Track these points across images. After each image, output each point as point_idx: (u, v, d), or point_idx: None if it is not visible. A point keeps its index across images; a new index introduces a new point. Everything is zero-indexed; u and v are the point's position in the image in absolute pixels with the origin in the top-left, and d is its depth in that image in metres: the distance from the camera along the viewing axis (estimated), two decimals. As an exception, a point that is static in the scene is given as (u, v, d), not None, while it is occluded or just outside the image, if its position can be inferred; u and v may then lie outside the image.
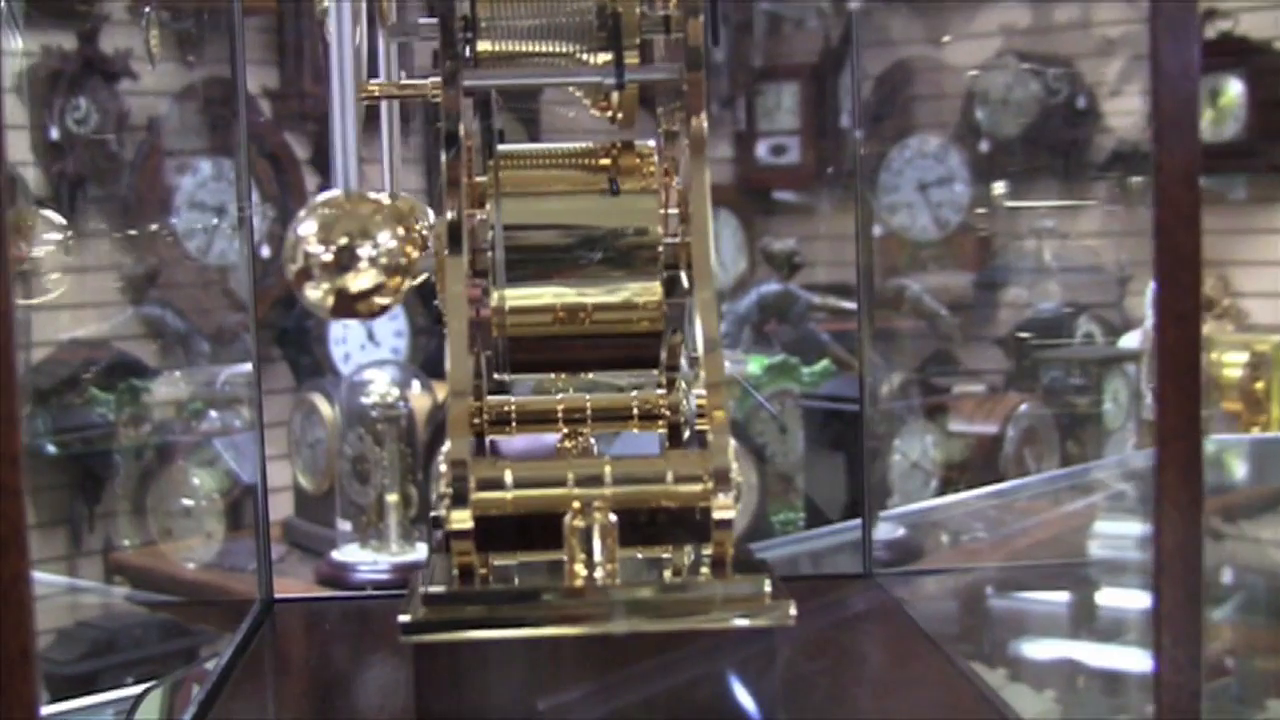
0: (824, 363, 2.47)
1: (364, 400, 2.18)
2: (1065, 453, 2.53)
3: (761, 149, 3.36)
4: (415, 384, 2.25)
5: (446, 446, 0.63)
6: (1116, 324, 2.76)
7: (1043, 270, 2.79)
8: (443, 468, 0.63)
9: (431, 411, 2.24)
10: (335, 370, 2.62)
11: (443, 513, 0.63)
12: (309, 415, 2.39)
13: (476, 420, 0.74)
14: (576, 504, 0.63)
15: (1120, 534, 1.83)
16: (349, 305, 0.63)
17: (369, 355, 2.64)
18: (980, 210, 2.96)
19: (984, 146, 3.02)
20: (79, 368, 2.38)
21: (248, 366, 1.11)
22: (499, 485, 0.63)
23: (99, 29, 2.55)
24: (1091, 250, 2.83)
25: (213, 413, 2.34)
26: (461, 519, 0.62)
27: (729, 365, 0.70)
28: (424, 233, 0.75)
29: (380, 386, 2.19)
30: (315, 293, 0.63)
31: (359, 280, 0.63)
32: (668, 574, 0.67)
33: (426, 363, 2.48)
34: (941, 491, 2.40)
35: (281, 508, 2.37)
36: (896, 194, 3.02)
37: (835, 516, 2.23)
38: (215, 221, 2.61)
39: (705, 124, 0.66)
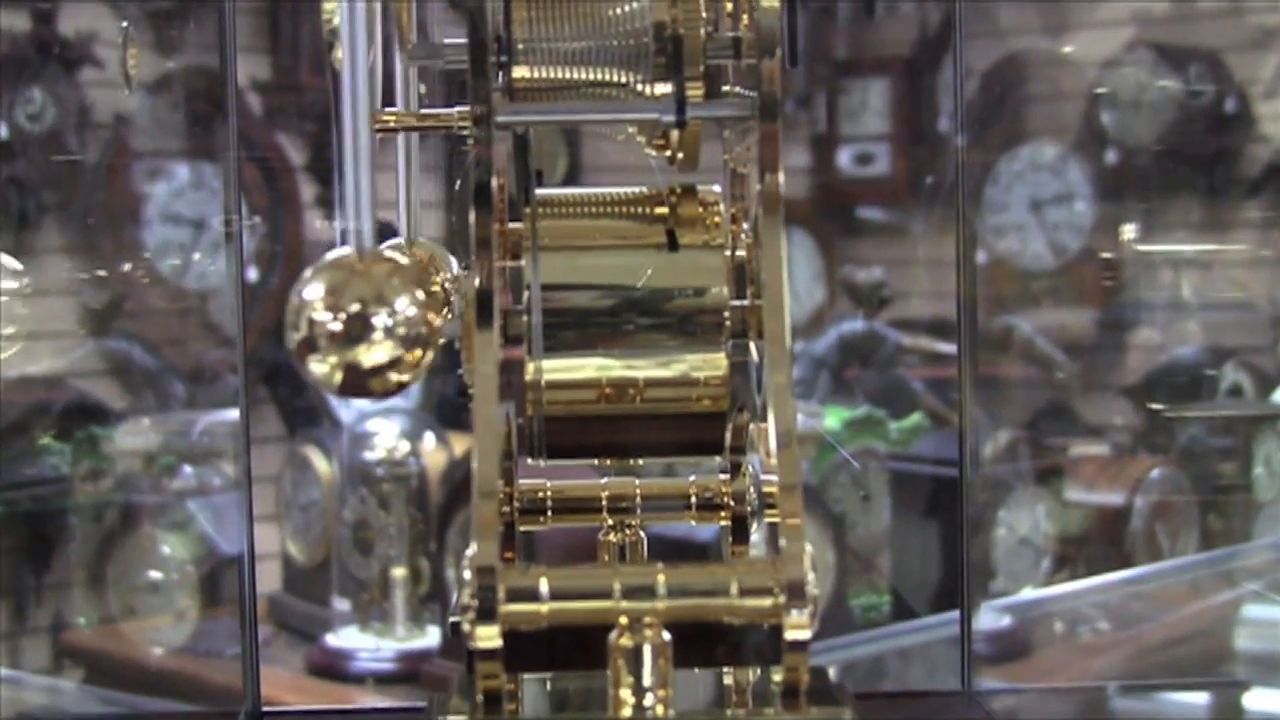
0: (916, 417, 2.47)
1: (368, 455, 2.21)
2: (1206, 529, 2.52)
3: (844, 157, 3.36)
4: (428, 436, 2.27)
5: (471, 550, 0.64)
6: (1270, 374, 2.75)
7: (1180, 307, 2.78)
8: (466, 574, 0.64)
9: (448, 469, 2.25)
10: (334, 418, 2.63)
11: (465, 625, 0.64)
12: (302, 471, 2.42)
13: (505, 509, 0.75)
14: (624, 619, 0.64)
15: (1274, 620, 1.82)
16: (360, 382, 0.64)
17: (374, 401, 2.66)
18: (1105, 234, 2.95)
19: (1111, 157, 3.01)
20: (29, 411, 2.40)
21: (232, 413, 1.13)
22: (532, 596, 0.64)
23: (57, 8, 2.58)
24: (1240, 284, 2.82)
25: (187, 468, 2.36)
26: (488, 636, 0.63)
27: (801, 419, 0.71)
28: (447, 286, 0.76)
29: (387, 439, 2.22)
30: (321, 367, 0.64)
31: (373, 354, 0.64)
32: (731, 706, 0.67)
33: (442, 410, 2.50)
34: (1055, 573, 2.40)
35: (267, 581, 2.39)
36: (1005, 214, 3.02)
37: (927, 602, 2.23)
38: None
39: (781, 181, 0.67)
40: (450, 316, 0.82)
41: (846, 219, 3.39)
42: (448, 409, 2.47)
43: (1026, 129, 3.15)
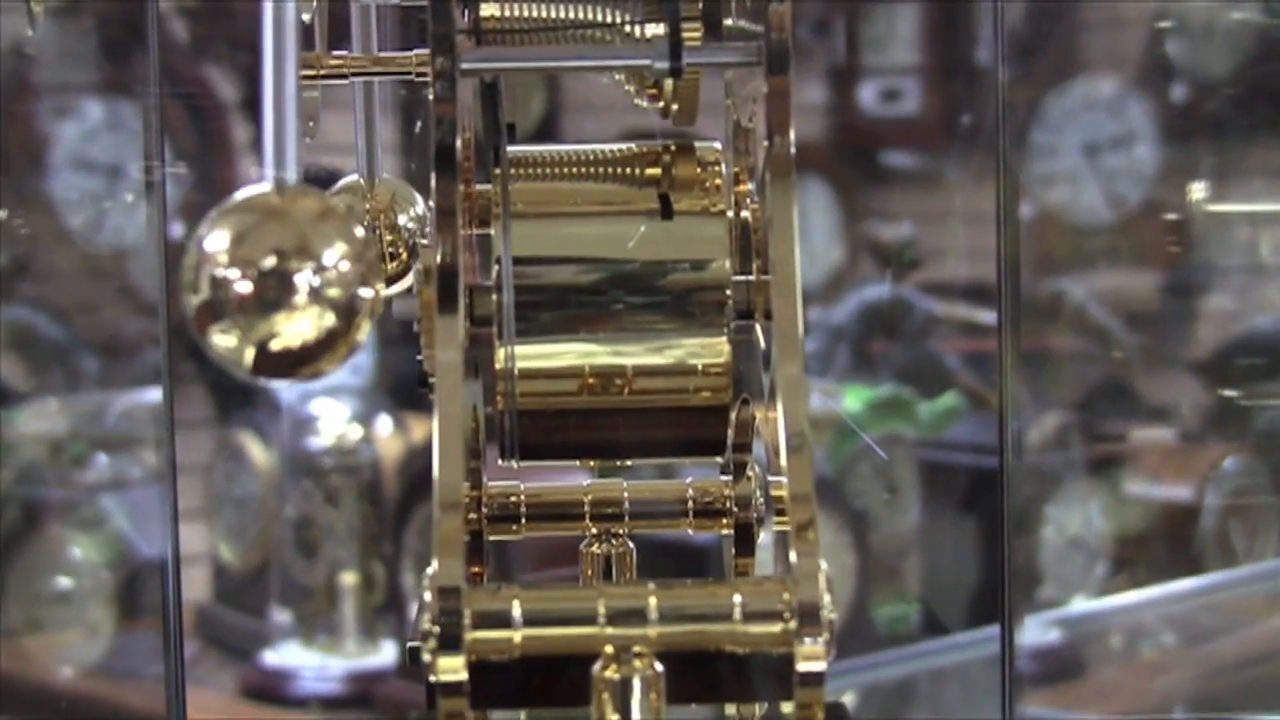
0: (950, 397, 2.48)
1: (312, 442, 2.21)
2: (1288, 526, 2.54)
3: (867, 93, 3.37)
4: (383, 419, 2.28)
5: (433, 568, 0.64)
6: (1363, 347, 2.76)
7: (1259, 270, 2.79)
8: (427, 595, 0.64)
9: (406, 458, 2.26)
10: (272, 399, 2.64)
11: (426, 654, 0.64)
12: (235, 461, 2.42)
13: (472, 515, 0.75)
14: (610, 648, 0.64)
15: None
16: (278, 361, 0.58)
17: (300, 383, 2.66)
18: (1171, 185, 2.96)
19: (1178, 94, 3.02)
20: (-86, 391, 2.41)
21: (155, 393, 1.13)
22: (504, 621, 0.64)
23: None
24: (1329, 243, 2.84)
25: (101, 457, 2.37)
26: (452, 668, 0.63)
27: (817, 399, 0.71)
28: (411, 225, 0.77)
29: (335, 423, 2.22)
30: (227, 340, 0.57)
31: (295, 323, 0.57)
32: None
33: (398, 388, 2.50)
34: (1111, 579, 2.41)
35: (195, 588, 2.40)
36: (1054, 159, 3.03)
37: (962, 614, 2.24)
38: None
39: (792, 143, 0.68)
40: (406, 261, 0.83)
41: (869, 166, 3.40)
42: (405, 388, 2.47)
43: (1079, 60, 3.15)
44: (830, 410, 2.43)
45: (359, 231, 0.58)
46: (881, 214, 3.15)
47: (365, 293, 0.58)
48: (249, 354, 0.57)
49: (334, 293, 0.57)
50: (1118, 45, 3.18)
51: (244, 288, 0.56)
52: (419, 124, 1.89)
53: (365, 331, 0.59)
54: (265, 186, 0.58)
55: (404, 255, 0.82)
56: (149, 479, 2.28)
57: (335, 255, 0.57)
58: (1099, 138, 3.05)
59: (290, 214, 0.57)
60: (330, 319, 0.57)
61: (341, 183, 0.82)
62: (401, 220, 0.81)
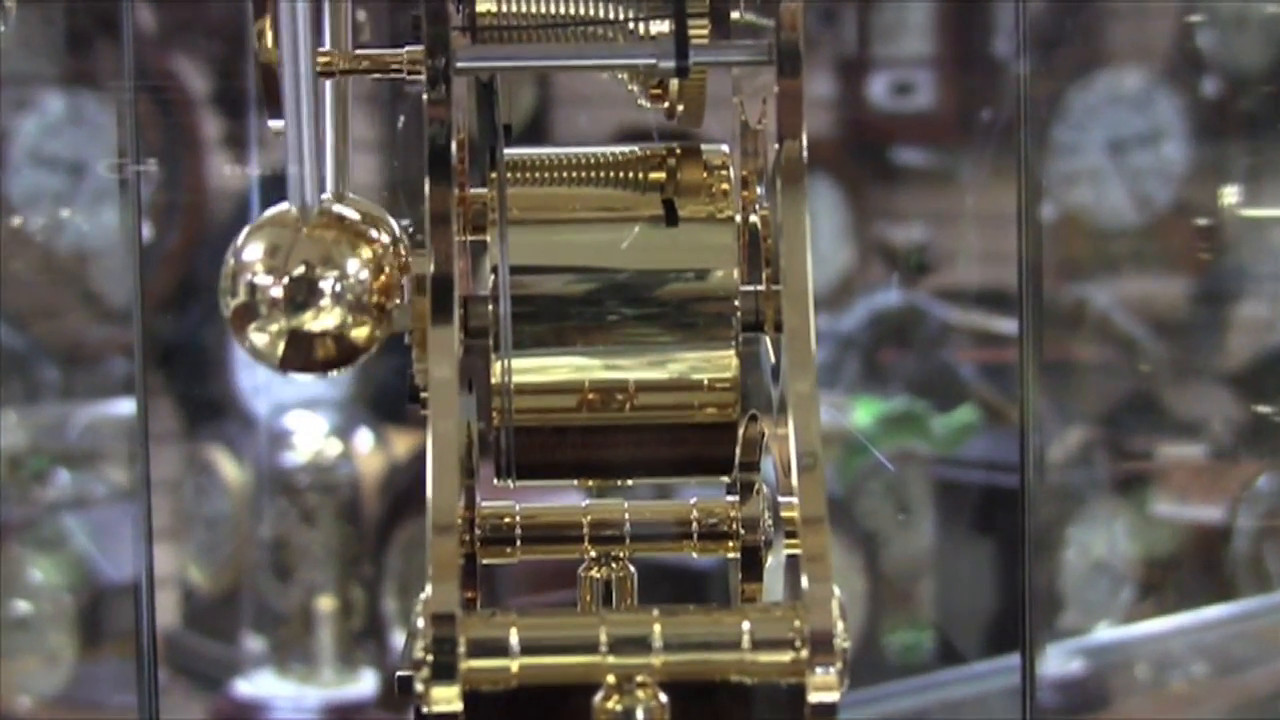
0: (966, 411, 2.48)
1: (288, 457, 2.21)
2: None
3: (877, 86, 3.37)
4: (363, 434, 2.28)
5: (426, 594, 0.65)
6: (1405, 357, 2.76)
7: (1295, 276, 2.79)
8: (420, 621, 0.64)
9: (387, 475, 2.26)
10: (246, 411, 2.63)
11: (419, 684, 0.64)
12: (206, 478, 2.42)
13: (465, 537, 0.76)
14: (611, 677, 0.65)
15: None
16: (305, 357, 0.71)
17: (295, 389, 2.66)
18: (1202, 185, 2.96)
19: (1209, 88, 3.02)
20: None
21: (120, 405, 1.14)
22: (500, 650, 0.65)
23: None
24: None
25: (63, 473, 2.37)
26: (446, 699, 0.64)
27: (824, 414, 0.72)
28: (399, 251, 0.77)
29: (312, 438, 2.22)
30: (261, 336, 0.71)
31: (320, 320, 0.70)
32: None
33: (380, 399, 2.50)
34: (1138, 605, 2.41)
35: (163, 613, 2.39)
36: (1077, 157, 3.03)
37: (980, 642, 2.25)
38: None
39: (804, 147, 0.68)
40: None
41: (880, 163, 3.39)
42: (386, 400, 2.47)
43: (1105, 52, 3.16)
44: (839, 425, 2.43)
45: (371, 244, 0.72)
46: (893, 215, 3.15)
47: (379, 298, 0.71)
48: (279, 349, 0.71)
49: (352, 297, 0.71)
50: (1145, 36, 3.18)
51: (276, 292, 0.70)
52: (402, 119, 1.89)
53: (382, 332, 0.72)
54: (291, 206, 0.71)
55: None
56: (114, 496, 2.28)
57: (355, 265, 0.71)
58: (1125, 134, 3.05)
59: (316, 229, 0.71)
60: (349, 319, 0.71)
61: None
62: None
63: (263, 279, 0.70)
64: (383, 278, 0.71)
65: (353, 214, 0.72)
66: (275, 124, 0.72)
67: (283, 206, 0.71)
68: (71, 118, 2.66)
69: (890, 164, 3.40)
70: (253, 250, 0.71)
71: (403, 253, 0.75)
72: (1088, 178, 3.04)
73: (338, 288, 0.70)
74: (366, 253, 0.71)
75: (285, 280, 0.70)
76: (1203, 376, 2.90)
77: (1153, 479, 2.62)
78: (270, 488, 2.24)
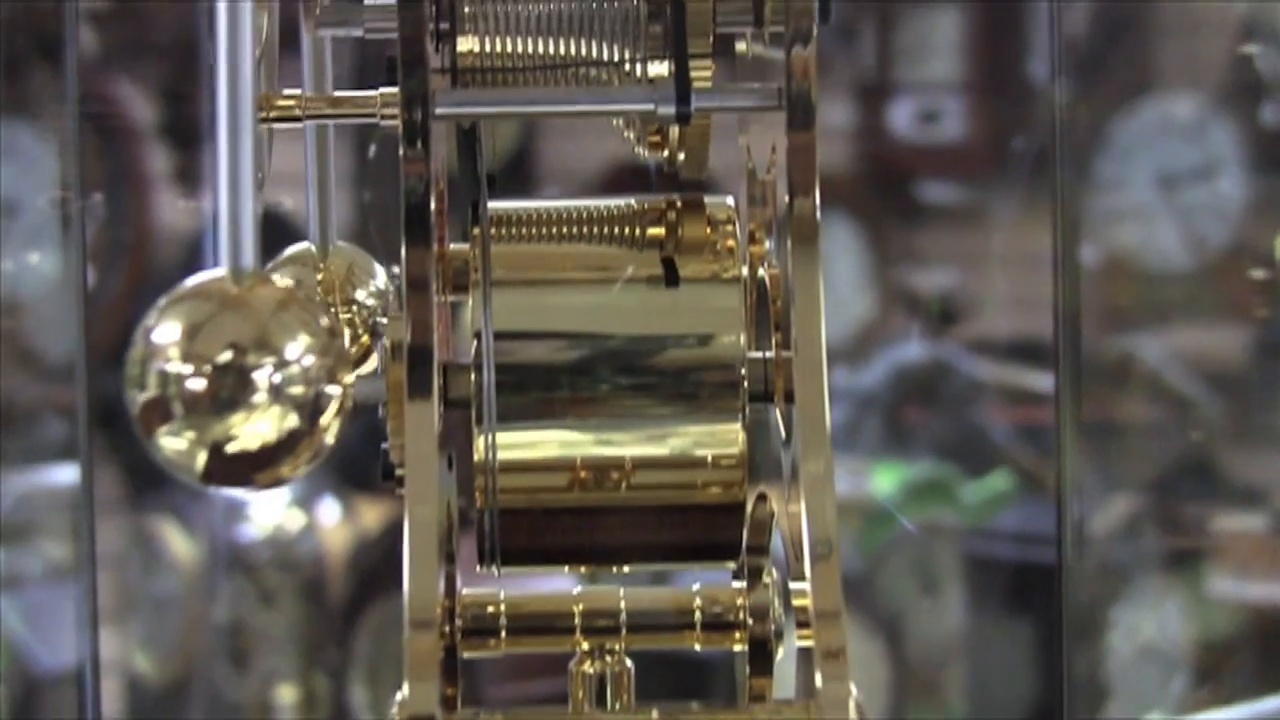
0: (999, 477, 2.49)
1: (244, 531, 2.22)
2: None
3: (901, 114, 3.37)
4: (328, 503, 2.28)
5: (403, 694, 0.65)
6: None
7: (1368, 327, 2.80)
8: (396, 722, 0.65)
9: (355, 549, 2.27)
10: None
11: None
12: (153, 553, 2.43)
13: (444, 628, 0.76)
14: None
15: None
16: (234, 467, 0.61)
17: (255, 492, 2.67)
18: (1261, 223, 2.97)
19: (1269, 116, 3.04)
20: None
21: (57, 472, 1.13)
22: (485, 751, 0.66)
23: None
24: None
25: (-7, 548, 2.37)
26: (425, 811, 0.65)
27: (842, 481, 0.72)
28: (370, 302, 0.78)
29: (271, 509, 2.22)
30: (177, 443, 0.61)
31: (252, 425, 0.61)
32: None
33: (346, 466, 2.50)
34: (1193, 694, 2.42)
35: (105, 703, 2.40)
36: (1121, 193, 3.04)
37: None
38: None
39: (817, 204, 0.69)
40: (367, 344, 0.83)
41: (903, 199, 3.39)
42: (354, 466, 2.47)
43: (1151, 75, 3.17)
44: (858, 494, 2.44)
45: (325, 321, 0.62)
46: (917, 257, 3.15)
47: (332, 390, 0.62)
48: (201, 459, 0.60)
49: (297, 390, 0.60)
50: (1196, 58, 3.20)
51: (196, 385, 0.60)
52: (373, 148, 1.90)
53: (334, 433, 0.62)
54: (220, 272, 0.61)
55: (363, 337, 0.81)
56: (50, 574, 2.28)
57: (299, 349, 0.61)
58: (1176, 168, 3.05)
59: (248, 303, 0.61)
60: (293, 419, 0.61)
61: (289, 251, 0.82)
62: (359, 295, 0.81)
63: (179, 367, 0.60)
64: (337, 359, 0.62)
65: (300, 278, 0.68)
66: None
67: (213, 273, 0.62)
68: (4, 149, 2.67)
69: (914, 200, 3.39)
70: (167, 329, 0.60)
71: (380, 314, 0.75)
72: (1133, 216, 3.04)
73: (277, 378, 0.60)
74: (317, 329, 0.61)
75: (208, 369, 0.60)
76: (1264, 439, 2.90)
77: (1208, 554, 2.62)
78: (225, 564, 2.24)
